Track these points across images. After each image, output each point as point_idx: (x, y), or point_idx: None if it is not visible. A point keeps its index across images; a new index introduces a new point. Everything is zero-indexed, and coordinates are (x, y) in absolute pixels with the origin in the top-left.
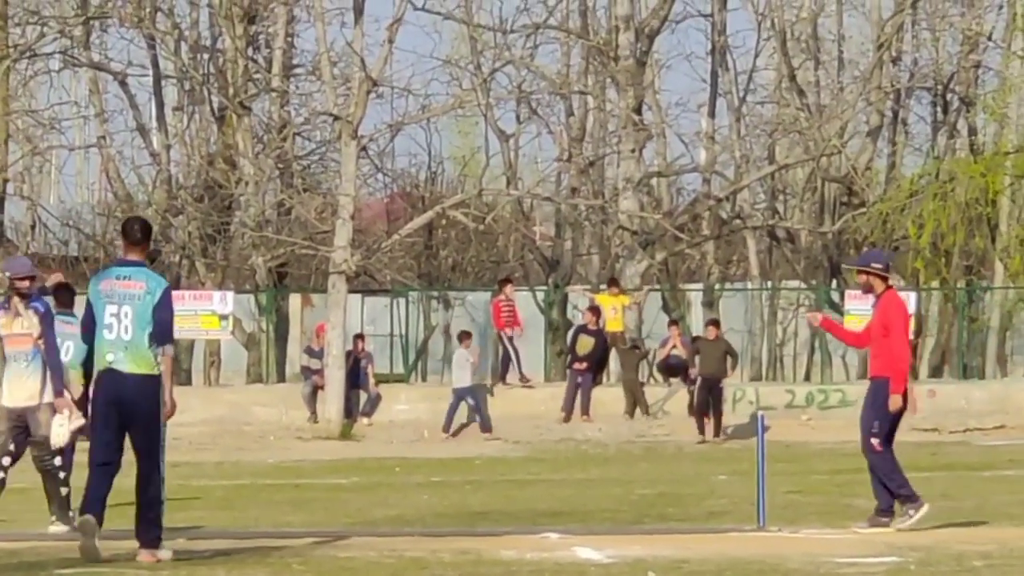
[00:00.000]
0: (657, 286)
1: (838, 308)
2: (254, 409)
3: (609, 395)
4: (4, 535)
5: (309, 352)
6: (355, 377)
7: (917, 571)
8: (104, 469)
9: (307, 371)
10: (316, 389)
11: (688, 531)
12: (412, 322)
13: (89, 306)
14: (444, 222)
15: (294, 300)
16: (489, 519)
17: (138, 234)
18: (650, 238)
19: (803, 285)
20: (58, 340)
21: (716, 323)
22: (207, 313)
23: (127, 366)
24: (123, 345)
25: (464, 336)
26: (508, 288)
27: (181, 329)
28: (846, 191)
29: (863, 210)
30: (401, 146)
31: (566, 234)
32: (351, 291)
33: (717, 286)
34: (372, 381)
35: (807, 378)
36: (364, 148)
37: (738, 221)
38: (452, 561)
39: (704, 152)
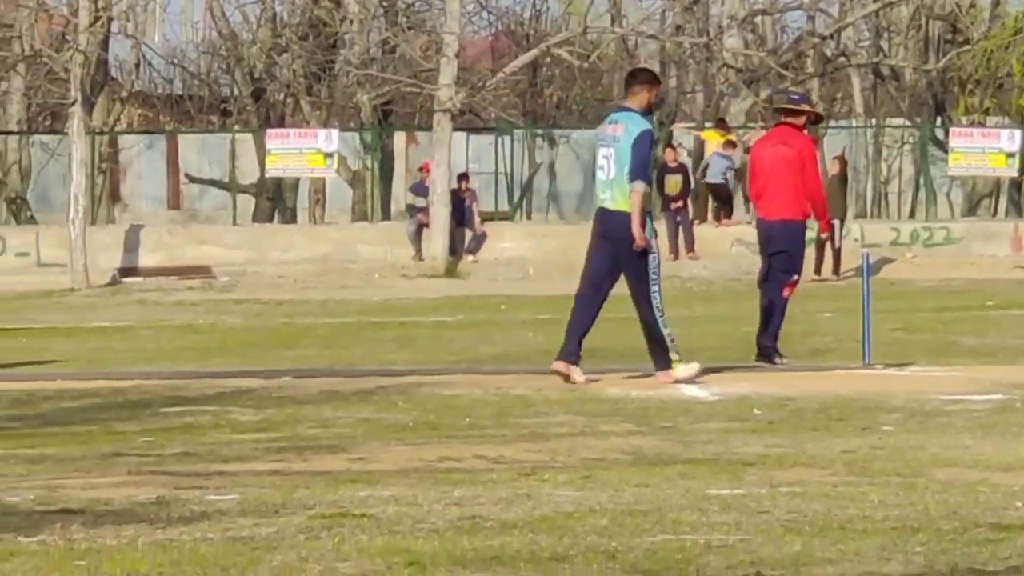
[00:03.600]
0: (762, 123)
1: (942, 145)
2: (359, 247)
3: (713, 233)
4: (108, 373)
5: (414, 190)
6: (460, 215)
7: (1023, 408)
8: (588, 298)
9: (412, 209)
10: (421, 227)
11: (793, 368)
12: (517, 160)
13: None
14: (549, 60)
15: (399, 138)
16: (596, 356)
17: (631, 82)
18: (754, 76)
19: (907, 123)
20: None
21: (837, 158)
22: (312, 151)
23: (612, 204)
24: (609, 184)
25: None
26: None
27: (287, 167)
28: (950, 28)
29: (967, 47)
30: None
31: (670, 72)
32: (456, 129)
33: (822, 124)
34: (477, 219)
35: (912, 216)
36: None
37: (843, 59)
38: (558, 399)
39: None
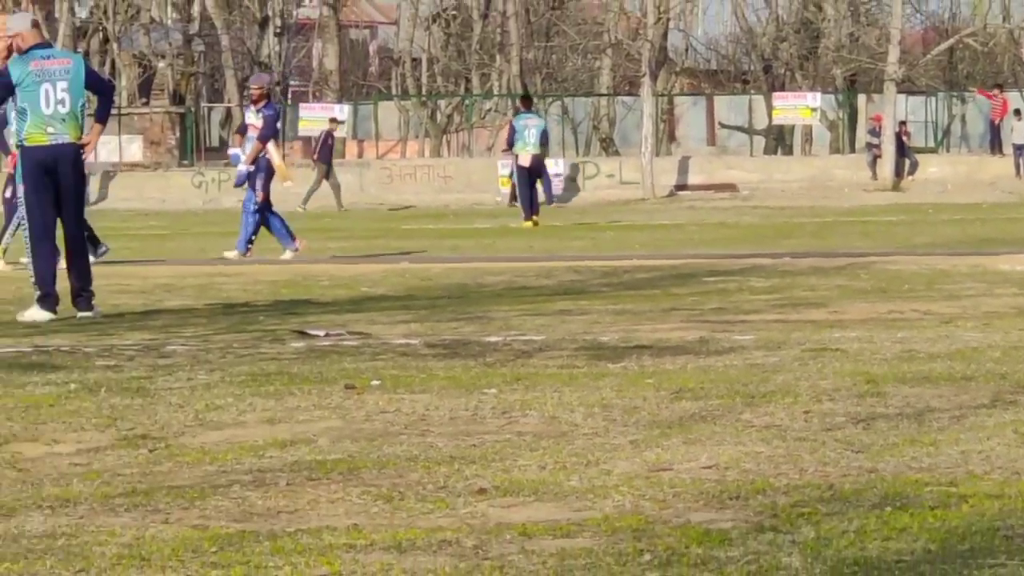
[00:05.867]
0: None
1: None
2: (834, 171)
3: None
4: (668, 255)
5: (871, 133)
6: (900, 149)
7: None
8: None
9: (870, 145)
10: (876, 158)
11: None
12: (940, 113)
13: None
14: (962, 45)
15: (861, 98)
16: (991, 244)
17: None
18: None
19: None
20: (523, 130)
21: None
22: (804, 107)
23: None
24: None
25: (1019, 112)
26: (996, 90)
27: (787, 117)
28: None
29: None
30: None
31: None
32: (899, 92)
33: None
34: (912, 151)
35: None
36: None
37: None
38: (967, 272)
39: None
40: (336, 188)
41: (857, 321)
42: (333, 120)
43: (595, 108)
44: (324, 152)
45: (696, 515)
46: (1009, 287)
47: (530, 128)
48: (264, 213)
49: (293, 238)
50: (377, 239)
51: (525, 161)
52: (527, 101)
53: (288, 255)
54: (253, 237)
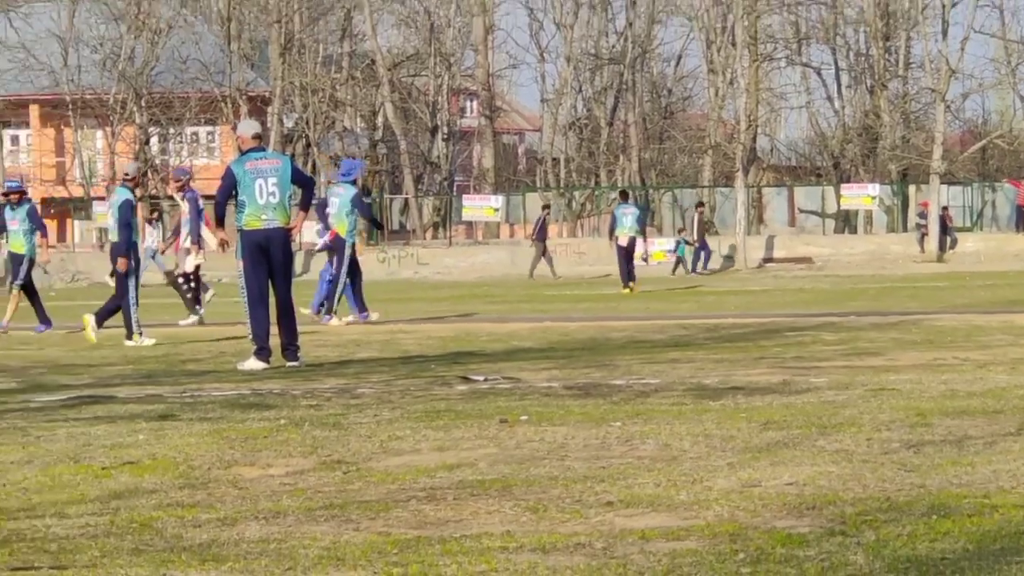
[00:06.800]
0: None
1: None
2: (890, 246)
3: None
4: (757, 314)
5: (920, 215)
6: (944, 228)
7: None
8: None
9: (919, 226)
10: (923, 236)
11: None
12: (975, 200)
13: None
14: (992, 145)
15: (911, 188)
16: (1017, 304)
17: None
18: None
19: None
20: (622, 217)
21: None
22: (865, 195)
23: None
24: None
25: None
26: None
27: (851, 204)
28: None
29: None
30: (968, 105)
31: None
32: (942, 183)
33: None
34: (953, 230)
35: None
36: (948, 107)
37: None
38: (998, 326)
39: None
40: (549, 260)
41: (909, 366)
42: (546, 207)
43: (699, 197)
44: (541, 232)
45: (780, 522)
46: None
47: (627, 216)
48: (336, 282)
49: (322, 310)
50: (523, 303)
51: (623, 242)
52: (624, 195)
53: (328, 319)
54: (327, 302)
